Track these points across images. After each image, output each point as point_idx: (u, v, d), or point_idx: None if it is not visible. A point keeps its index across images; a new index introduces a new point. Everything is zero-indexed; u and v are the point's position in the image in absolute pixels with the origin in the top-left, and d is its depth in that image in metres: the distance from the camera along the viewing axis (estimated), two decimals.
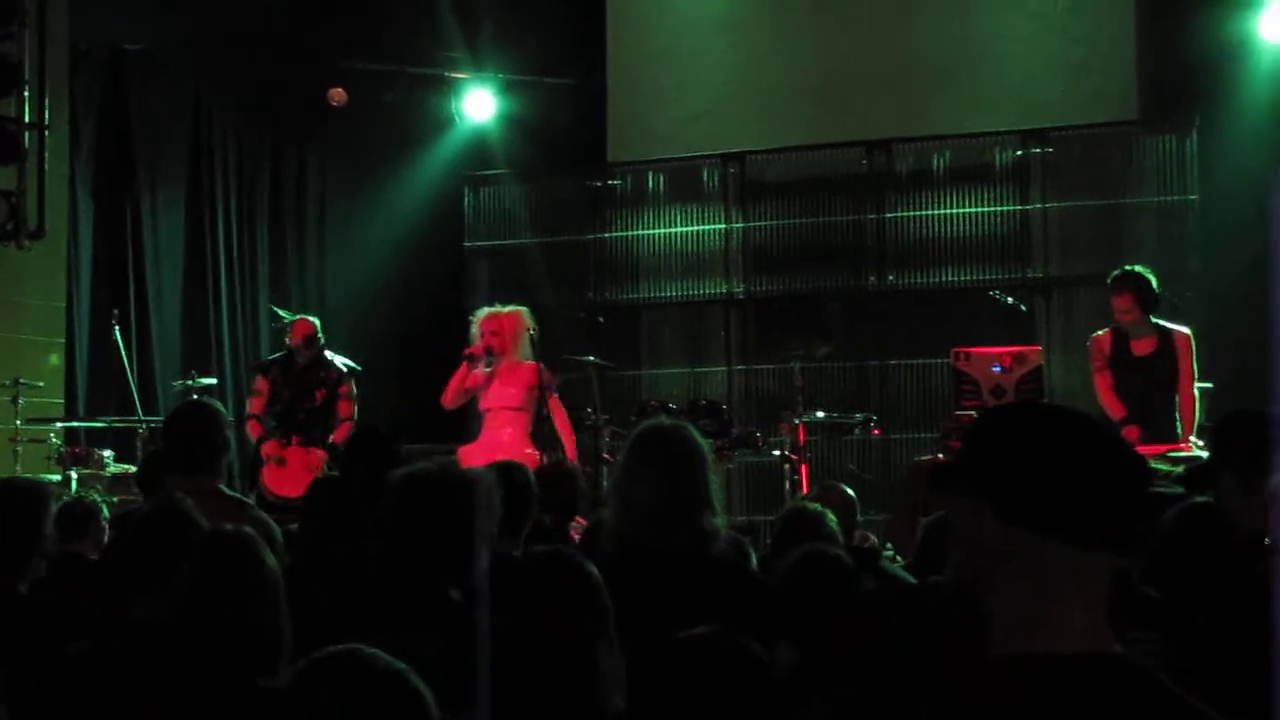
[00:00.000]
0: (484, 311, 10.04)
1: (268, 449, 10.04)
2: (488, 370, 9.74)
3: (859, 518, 6.95)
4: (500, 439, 9.53)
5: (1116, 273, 8.91)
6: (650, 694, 2.62)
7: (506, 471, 4.67)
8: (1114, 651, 1.90)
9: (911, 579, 4.56)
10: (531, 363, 9.66)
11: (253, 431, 10.23)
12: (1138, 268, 8.97)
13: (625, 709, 2.87)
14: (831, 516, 5.17)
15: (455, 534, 3.59)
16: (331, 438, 9.86)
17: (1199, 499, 4.40)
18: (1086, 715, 1.81)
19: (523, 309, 9.99)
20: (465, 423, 10.11)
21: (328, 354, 10.33)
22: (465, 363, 9.84)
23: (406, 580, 3.56)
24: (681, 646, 2.60)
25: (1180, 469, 7.03)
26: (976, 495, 1.95)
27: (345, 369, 10.30)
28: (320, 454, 9.78)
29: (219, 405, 5.71)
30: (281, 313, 11.16)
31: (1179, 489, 5.04)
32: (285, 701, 2.09)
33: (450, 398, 9.85)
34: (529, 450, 9.44)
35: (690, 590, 3.68)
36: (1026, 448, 1.94)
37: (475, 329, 9.90)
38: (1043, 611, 1.89)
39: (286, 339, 10.39)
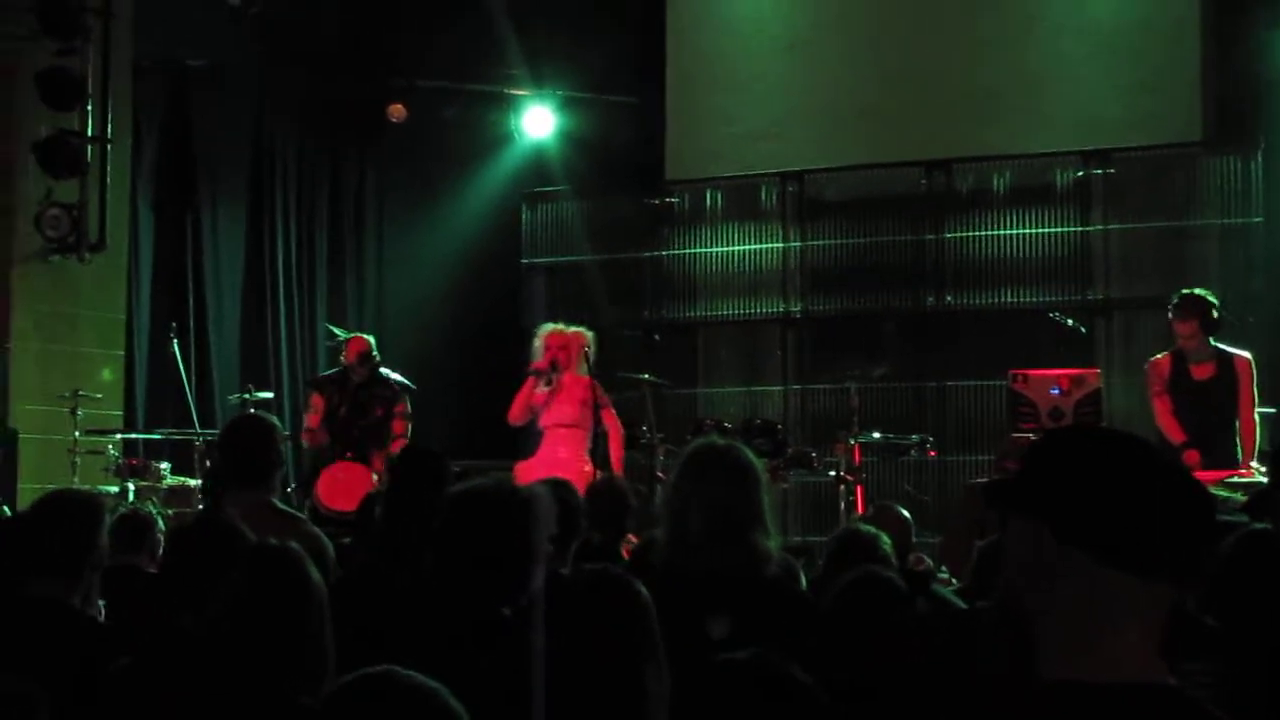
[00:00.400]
0: (549, 328, 10.05)
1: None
2: (548, 387, 9.75)
3: (914, 539, 6.90)
4: (558, 456, 9.53)
5: (1178, 297, 8.79)
6: (692, 716, 2.58)
7: (555, 489, 4.65)
8: (1167, 683, 1.85)
9: (963, 603, 4.50)
10: (585, 378, 9.67)
11: (310, 441, 10.26)
12: (1200, 291, 8.85)
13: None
14: (886, 538, 5.13)
15: (509, 551, 3.57)
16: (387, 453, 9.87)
17: (1259, 526, 4.32)
18: None
19: (587, 331, 10.00)
20: (521, 439, 10.12)
21: (384, 370, 10.35)
22: (531, 379, 9.85)
23: (459, 597, 3.54)
24: (722, 669, 2.57)
25: (1241, 495, 6.93)
26: (1035, 516, 1.91)
27: (400, 387, 10.32)
28: (373, 470, 9.78)
29: (274, 419, 5.71)
30: (337, 331, 11.20)
31: (1241, 516, 4.96)
32: None
33: (517, 414, 9.86)
34: (586, 468, 9.46)
35: (740, 612, 3.64)
36: (1092, 470, 1.90)
37: (539, 344, 9.91)
38: (1095, 639, 1.85)
39: (342, 356, 10.42)
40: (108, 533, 4.74)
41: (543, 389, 9.78)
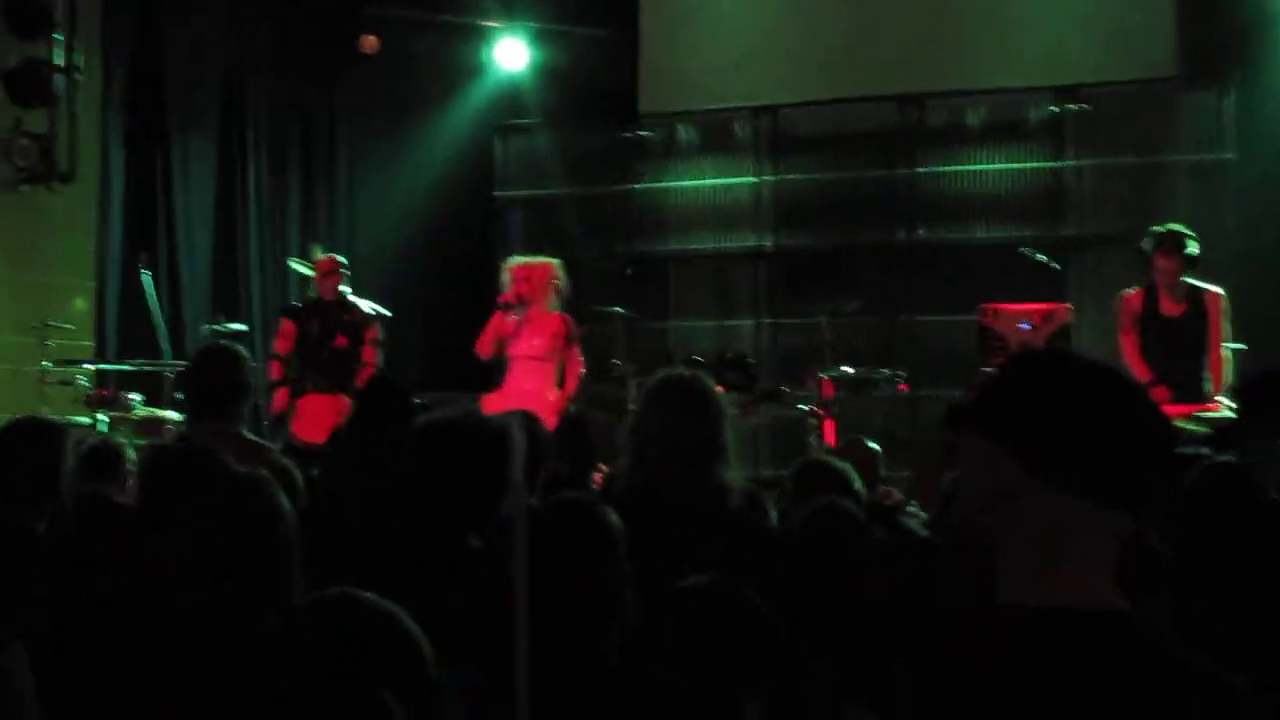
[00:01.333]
0: (515, 260, 10.08)
1: (278, 399, 10.10)
2: (517, 318, 9.77)
3: (884, 473, 6.93)
4: (525, 388, 9.56)
5: (1161, 231, 8.77)
6: (652, 641, 2.61)
7: (521, 420, 4.66)
8: (1121, 609, 1.87)
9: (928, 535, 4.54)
10: (558, 313, 9.69)
11: (273, 372, 10.28)
12: (1181, 227, 8.85)
13: (630, 658, 2.86)
14: (853, 470, 5.15)
15: (480, 482, 3.58)
16: (355, 382, 9.86)
17: (1223, 458, 4.35)
18: (1088, 670, 1.80)
19: (554, 261, 10.01)
20: (491, 372, 10.14)
21: (353, 298, 10.36)
22: (499, 312, 9.86)
23: (426, 527, 3.55)
24: (681, 595, 2.59)
25: (1207, 429, 6.98)
26: (998, 440, 1.91)
27: (372, 313, 10.32)
28: (346, 402, 9.79)
29: (240, 348, 5.70)
30: (299, 265, 11.19)
31: (1204, 450, 4.99)
32: (277, 643, 2.08)
33: (486, 347, 9.90)
34: (551, 398, 9.49)
35: (701, 542, 3.66)
36: (1056, 398, 1.91)
37: (506, 276, 9.94)
38: (1052, 564, 1.87)
39: (312, 283, 10.43)
40: (78, 462, 4.75)
41: (512, 318, 9.80)
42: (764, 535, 3.94)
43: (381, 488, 3.92)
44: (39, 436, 4.37)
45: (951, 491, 4.93)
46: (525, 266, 9.93)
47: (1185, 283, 8.70)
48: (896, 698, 1.93)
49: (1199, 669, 1.81)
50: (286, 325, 10.36)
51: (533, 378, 9.68)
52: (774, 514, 4.71)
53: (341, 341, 10.21)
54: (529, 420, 5.00)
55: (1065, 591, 1.86)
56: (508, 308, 9.83)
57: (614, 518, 3.36)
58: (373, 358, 10.18)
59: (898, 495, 8.01)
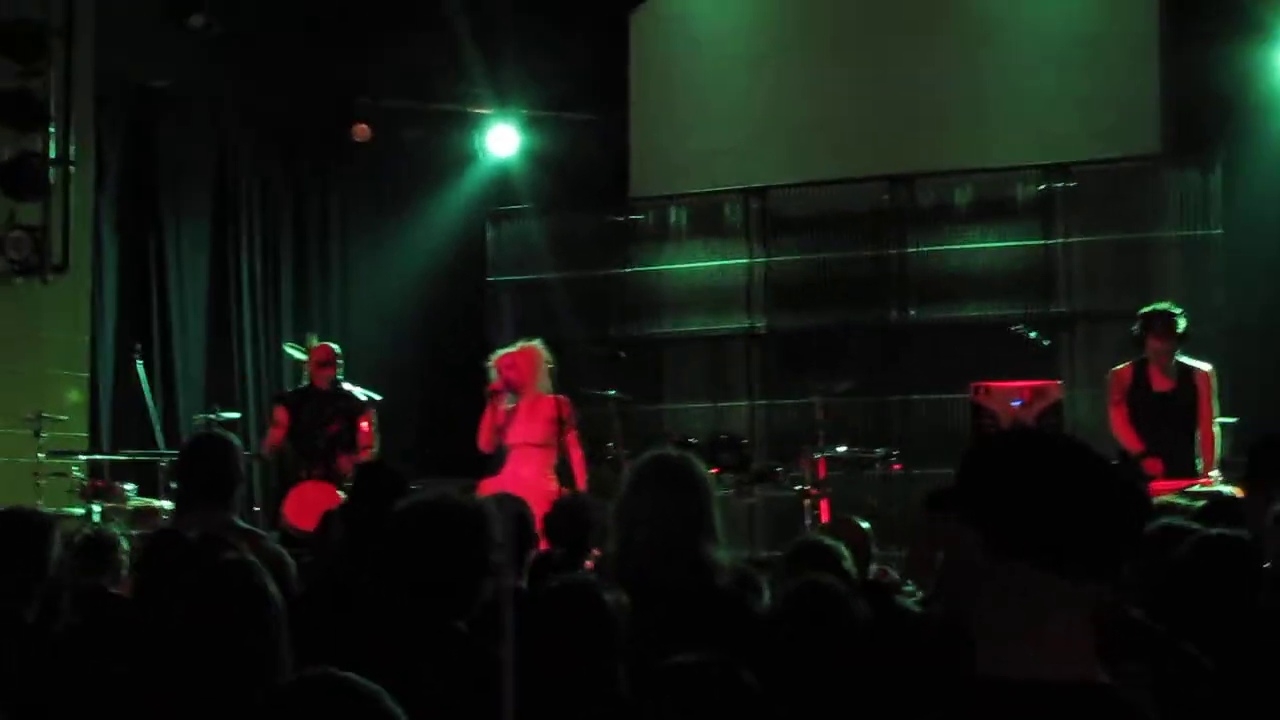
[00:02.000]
0: (498, 353, 10.12)
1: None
2: (510, 407, 9.79)
3: (876, 551, 6.94)
4: (522, 474, 9.55)
5: (1154, 313, 8.82)
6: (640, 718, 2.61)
7: (505, 503, 4.67)
8: (1099, 681, 1.88)
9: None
10: (552, 396, 9.70)
11: (268, 450, 10.34)
12: (1168, 305, 8.91)
13: None
14: (844, 549, 5.16)
15: (456, 563, 3.57)
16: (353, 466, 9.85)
17: (1214, 531, 4.35)
18: None
19: (535, 343, 10.04)
20: (486, 459, 10.13)
21: (347, 385, 10.39)
22: (491, 404, 9.90)
23: (407, 611, 3.55)
24: (670, 672, 2.59)
25: (1201, 504, 6.98)
26: (967, 521, 1.94)
27: (365, 399, 10.35)
28: (336, 489, 9.78)
29: (233, 437, 5.71)
30: (293, 351, 11.22)
31: (1195, 525, 4.99)
32: None
33: (485, 440, 9.92)
34: (551, 486, 9.47)
35: (690, 622, 3.66)
36: (1014, 476, 1.93)
37: (491, 371, 9.98)
38: (1028, 637, 1.88)
39: (305, 367, 10.47)
40: (73, 554, 4.74)
41: (505, 407, 9.82)
42: (751, 613, 3.93)
43: (369, 573, 3.92)
44: (26, 527, 4.37)
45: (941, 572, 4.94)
46: (508, 355, 9.95)
47: (1176, 361, 8.74)
48: None
49: None
50: (280, 413, 10.40)
51: (530, 464, 9.67)
52: (767, 594, 4.71)
53: (335, 429, 10.23)
54: (513, 502, 5.00)
55: (1043, 665, 1.87)
56: (497, 396, 9.86)
57: (611, 598, 3.37)
58: (369, 441, 10.20)
59: (893, 574, 8.02)
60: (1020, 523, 1.89)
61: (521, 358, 9.84)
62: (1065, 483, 1.90)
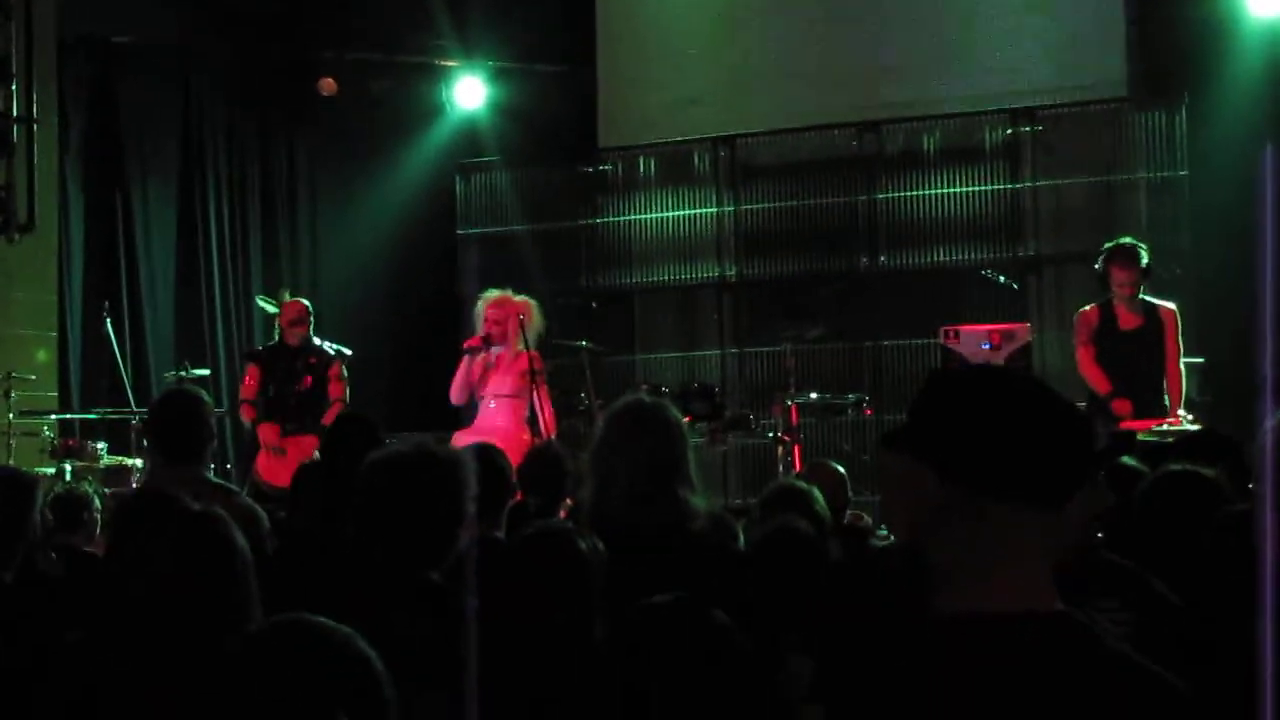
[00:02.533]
0: (494, 294, 10.07)
1: (265, 435, 10.06)
2: (485, 361, 9.79)
3: (850, 496, 6.96)
4: (495, 425, 9.57)
5: (1117, 245, 8.86)
6: (615, 661, 2.63)
7: (480, 453, 4.68)
8: (1055, 610, 1.91)
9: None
10: (525, 352, 9.69)
11: (246, 415, 10.28)
12: (1130, 239, 8.96)
13: (596, 679, 2.88)
14: (819, 494, 5.20)
15: (430, 514, 3.58)
16: (323, 421, 9.84)
17: (1182, 467, 4.39)
18: (1024, 673, 1.83)
19: (533, 301, 10.02)
20: (460, 410, 10.15)
21: (316, 340, 10.36)
22: (466, 357, 9.88)
23: (382, 563, 3.56)
24: (643, 612, 2.61)
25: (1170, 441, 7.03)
26: (920, 456, 1.96)
27: (334, 352, 10.33)
28: (313, 442, 9.78)
29: (202, 393, 5.70)
30: (266, 303, 11.19)
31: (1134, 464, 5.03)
32: (233, 666, 2.09)
33: (457, 394, 9.93)
34: (525, 436, 9.49)
35: (667, 566, 3.68)
36: (963, 407, 1.96)
37: (480, 309, 9.94)
38: (983, 571, 1.91)
39: (277, 320, 10.44)
40: (45, 512, 4.74)
41: (479, 361, 9.82)
42: (728, 557, 3.96)
43: (344, 526, 3.93)
44: (10, 486, 4.36)
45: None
46: (502, 306, 9.91)
47: (1141, 299, 8.79)
48: (845, 708, 1.96)
49: (1134, 666, 1.85)
50: (251, 369, 10.37)
51: (503, 415, 9.69)
52: (742, 538, 4.74)
53: (306, 383, 10.21)
54: (488, 451, 5.00)
55: (998, 596, 1.90)
56: (473, 351, 9.85)
57: (587, 545, 3.39)
58: (341, 393, 10.18)
59: (867, 520, 8.08)
60: (967, 451, 1.92)
61: (513, 312, 9.80)
62: (1009, 409, 1.93)
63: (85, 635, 3.39)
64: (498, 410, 9.72)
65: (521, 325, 9.73)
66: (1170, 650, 2.52)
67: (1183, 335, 8.82)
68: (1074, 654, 1.84)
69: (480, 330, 9.93)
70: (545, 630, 3.29)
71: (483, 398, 9.82)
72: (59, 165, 11.67)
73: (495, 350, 9.84)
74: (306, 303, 10.54)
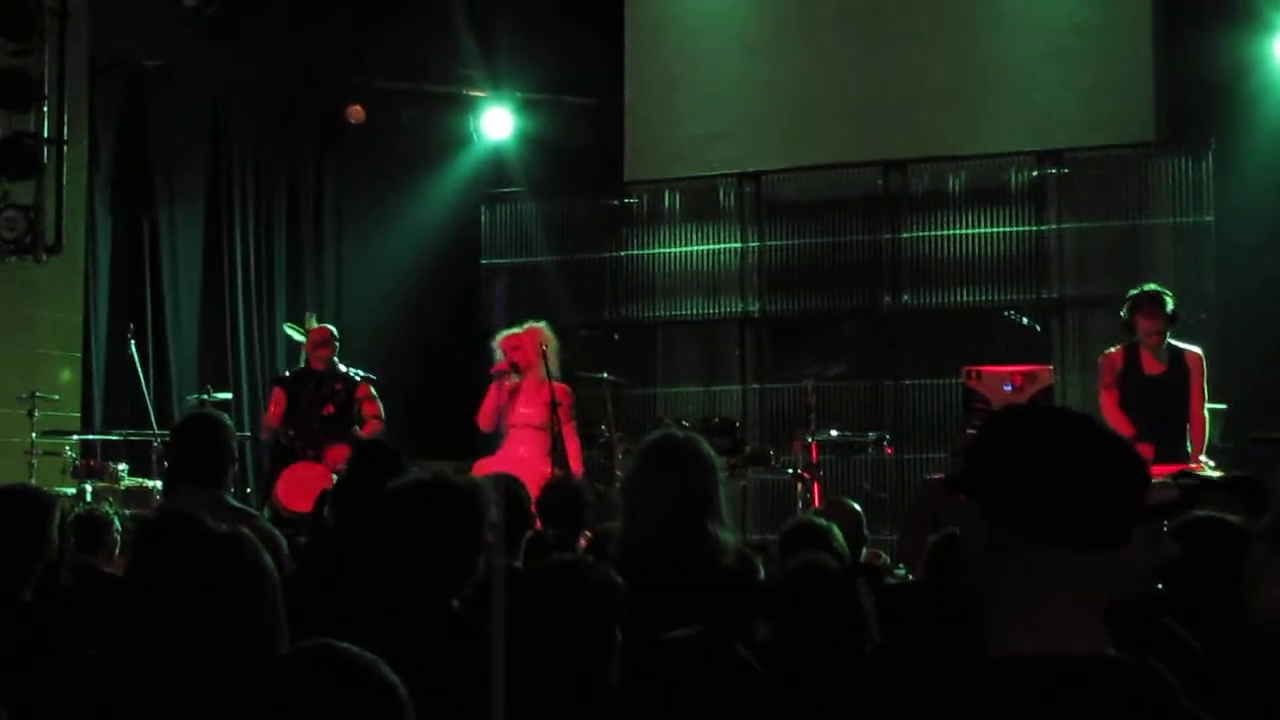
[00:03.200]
0: (503, 333, 10.12)
1: (335, 457, 10.07)
2: (514, 382, 9.83)
3: (868, 534, 6.96)
4: (518, 454, 9.56)
5: (1142, 293, 8.80)
6: (639, 693, 2.62)
7: (500, 482, 4.68)
8: (1108, 655, 1.90)
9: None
10: (554, 383, 9.69)
11: (266, 433, 10.35)
12: (1156, 286, 8.91)
13: (612, 712, 2.88)
14: (837, 530, 5.19)
15: (449, 541, 3.58)
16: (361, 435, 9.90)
17: (1203, 515, 4.36)
18: (1075, 717, 1.82)
19: (541, 324, 10.05)
20: (481, 440, 10.14)
21: (341, 366, 10.39)
22: (495, 383, 9.93)
23: (400, 589, 3.56)
24: (667, 646, 2.61)
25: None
26: (973, 497, 1.95)
27: (360, 377, 10.36)
28: (332, 468, 9.76)
29: (225, 416, 5.71)
30: (293, 331, 11.22)
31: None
32: (259, 691, 2.10)
33: (486, 420, 9.95)
34: (546, 469, 9.47)
35: (696, 601, 3.67)
36: (1018, 448, 1.95)
37: (495, 350, 10.00)
38: (1035, 614, 1.90)
39: (304, 347, 10.47)
40: (66, 533, 4.75)
41: (509, 384, 9.86)
42: (757, 593, 3.95)
43: (363, 551, 3.93)
44: (27, 505, 4.37)
45: (935, 554, 4.96)
46: (512, 336, 9.97)
47: (1167, 343, 8.75)
48: None
49: (1189, 712, 1.83)
50: (278, 394, 10.40)
51: (526, 445, 9.69)
52: (763, 573, 4.73)
53: (330, 410, 10.22)
54: (507, 481, 5.00)
55: (1050, 639, 1.88)
56: (501, 376, 9.89)
57: (605, 577, 3.38)
58: (376, 411, 10.22)
59: (885, 558, 8.06)
60: (1015, 491, 1.91)
61: (527, 338, 9.86)
62: (1061, 448, 1.92)
63: (103, 653, 3.39)
64: (521, 440, 9.73)
65: (544, 353, 9.74)
66: (1192, 695, 2.51)
67: (1207, 381, 8.77)
68: (1125, 699, 1.83)
69: (500, 363, 9.98)
70: (560, 661, 3.28)
71: (508, 426, 9.84)
72: (88, 187, 11.73)
73: (515, 379, 9.85)
74: (332, 328, 10.58)
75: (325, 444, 10.04)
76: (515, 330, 10.06)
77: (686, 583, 3.84)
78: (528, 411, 9.76)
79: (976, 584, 1.96)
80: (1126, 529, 1.94)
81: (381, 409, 10.24)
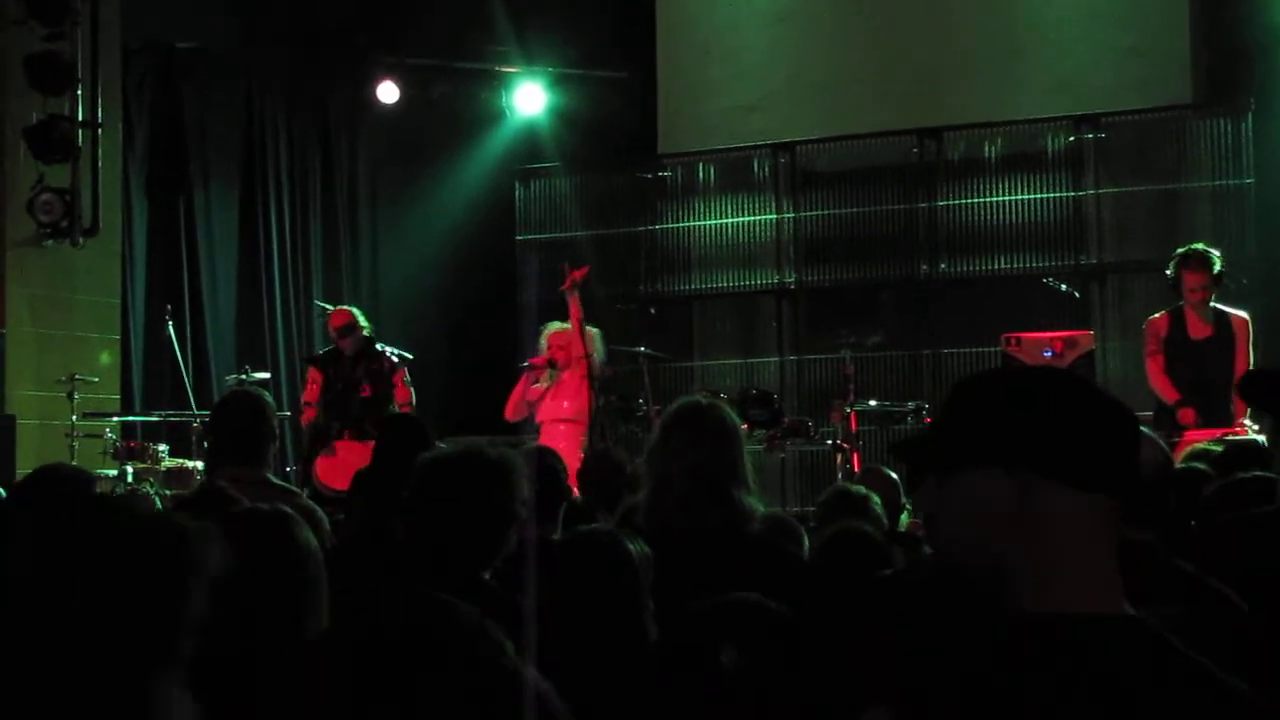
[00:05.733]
0: (555, 326, 10.12)
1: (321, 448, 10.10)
2: (548, 385, 9.85)
3: (906, 502, 6.92)
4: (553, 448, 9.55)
5: (1190, 250, 8.73)
6: (680, 659, 2.60)
7: (538, 455, 4.67)
8: (1129, 614, 1.88)
9: None
10: (583, 365, 9.75)
11: (305, 418, 10.34)
12: (1202, 245, 8.84)
13: (654, 679, 2.86)
14: (876, 498, 5.17)
15: (479, 514, 3.57)
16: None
17: (1247, 475, 4.34)
18: (1100, 675, 1.80)
19: (596, 331, 10.04)
20: (517, 425, 10.15)
21: (378, 345, 10.38)
22: (525, 375, 9.93)
23: (432, 562, 3.54)
24: (713, 610, 2.59)
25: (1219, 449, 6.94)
26: (1005, 462, 1.90)
27: (397, 358, 10.35)
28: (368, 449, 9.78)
29: (265, 394, 5.71)
30: (326, 306, 11.24)
31: (1205, 468, 4.96)
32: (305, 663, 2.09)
33: (511, 411, 9.98)
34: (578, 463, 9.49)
35: (725, 568, 3.65)
36: (1015, 399, 1.94)
37: (544, 341, 10.01)
38: (1059, 568, 1.88)
39: (329, 330, 10.50)
40: None
41: (540, 385, 9.88)
42: (787, 561, 3.93)
43: (395, 526, 3.92)
44: (64, 485, 4.38)
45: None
46: (564, 334, 9.97)
47: (1212, 306, 8.67)
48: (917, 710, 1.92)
49: (1209, 675, 1.81)
50: (314, 374, 10.41)
51: (562, 439, 9.66)
52: (806, 542, 4.71)
53: (367, 391, 10.23)
54: (542, 454, 4.99)
55: (1077, 598, 1.87)
56: (534, 370, 9.93)
57: (634, 548, 3.36)
58: (407, 398, 10.20)
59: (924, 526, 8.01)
60: (1037, 436, 1.88)
61: (575, 341, 9.86)
62: (1062, 395, 1.93)
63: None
64: (555, 434, 9.74)
65: (591, 359, 9.79)
66: (1233, 654, 2.48)
67: (1252, 344, 8.69)
68: (1153, 660, 1.82)
69: (545, 354, 9.99)
70: (589, 631, 3.27)
71: (541, 422, 9.86)
72: (123, 170, 11.77)
73: (547, 380, 9.87)
74: (352, 310, 10.48)
75: (363, 425, 10.04)
76: (565, 328, 10.04)
77: (713, 550, 3.82)
78: (561, 406, 9.81)
79: (996, 547, 1.93)
80: (1132, 472, 1.93)
81: (413, 396, 10.21)
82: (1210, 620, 2.88)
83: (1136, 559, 2.19)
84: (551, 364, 9.87)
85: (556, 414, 9.82)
